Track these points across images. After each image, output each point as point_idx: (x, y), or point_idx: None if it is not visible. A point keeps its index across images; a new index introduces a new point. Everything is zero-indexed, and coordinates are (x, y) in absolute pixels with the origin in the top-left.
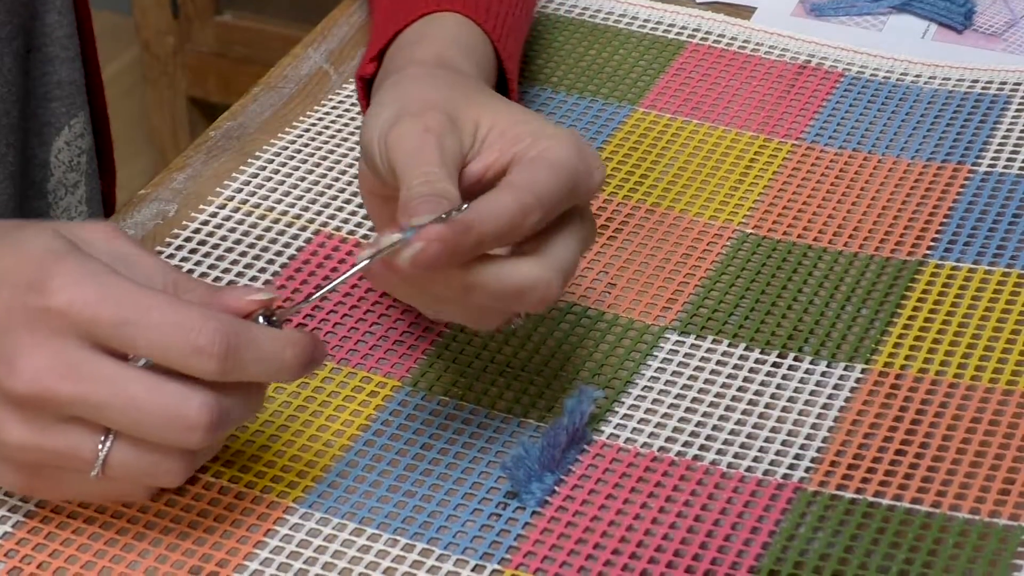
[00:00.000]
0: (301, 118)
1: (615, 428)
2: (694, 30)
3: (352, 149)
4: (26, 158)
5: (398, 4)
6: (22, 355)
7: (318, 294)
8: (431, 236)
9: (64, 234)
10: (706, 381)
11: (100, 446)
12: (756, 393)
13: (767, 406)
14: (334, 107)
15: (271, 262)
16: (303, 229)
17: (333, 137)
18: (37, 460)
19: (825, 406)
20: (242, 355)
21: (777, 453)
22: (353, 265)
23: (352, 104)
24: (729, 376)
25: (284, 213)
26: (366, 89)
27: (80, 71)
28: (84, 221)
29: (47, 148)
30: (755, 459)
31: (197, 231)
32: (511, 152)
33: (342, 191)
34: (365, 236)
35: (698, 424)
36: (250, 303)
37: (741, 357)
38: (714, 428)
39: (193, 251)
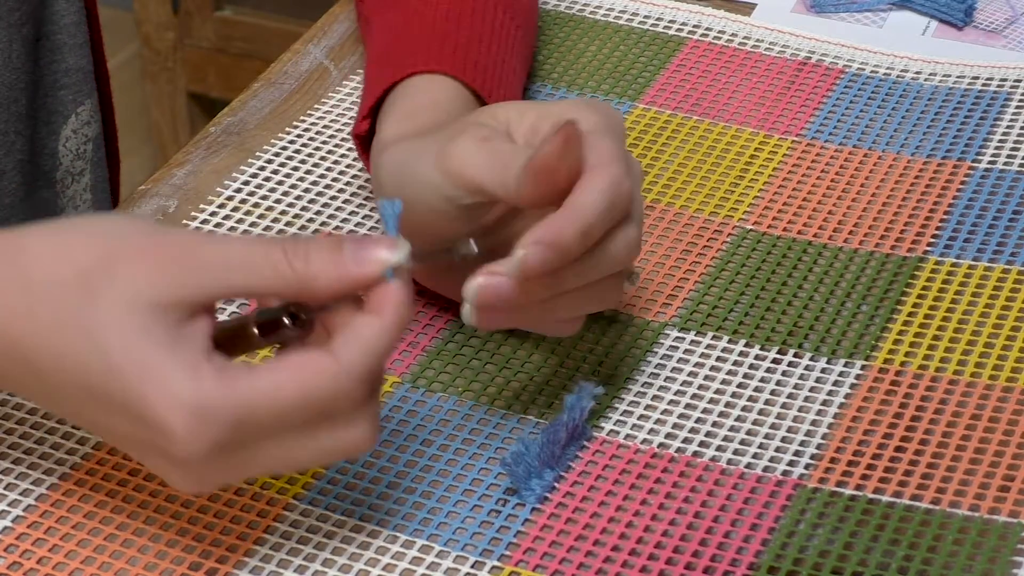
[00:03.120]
0: (302, 117)
1: (615, 424)
2: (694, 26)
3: (353, 146)
4: (35, 147)
5: (388, 58)
6: (175, 480)
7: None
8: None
9: (146, 301)
10: (706, 377)
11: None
12: (756, 389)
13: (767, 402)
14: (335, 104)
15: None
16: (303, 228)
17: (334, 136)
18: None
19: (825, 402)
20: (374, 373)
21: (777, 449)
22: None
23: (353, 102)
24: (729, 372)
25: (285, 212)
26: (364, 146)
27: (88, 58)
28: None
29: (56, 137)
30: (755, 455)
31: (198, 228)
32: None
33: (342, 190)
34: (366, 235)
35: (698, 420)
36: (380, 269)
37: (741, 353)
38: (714, 424)
39: None
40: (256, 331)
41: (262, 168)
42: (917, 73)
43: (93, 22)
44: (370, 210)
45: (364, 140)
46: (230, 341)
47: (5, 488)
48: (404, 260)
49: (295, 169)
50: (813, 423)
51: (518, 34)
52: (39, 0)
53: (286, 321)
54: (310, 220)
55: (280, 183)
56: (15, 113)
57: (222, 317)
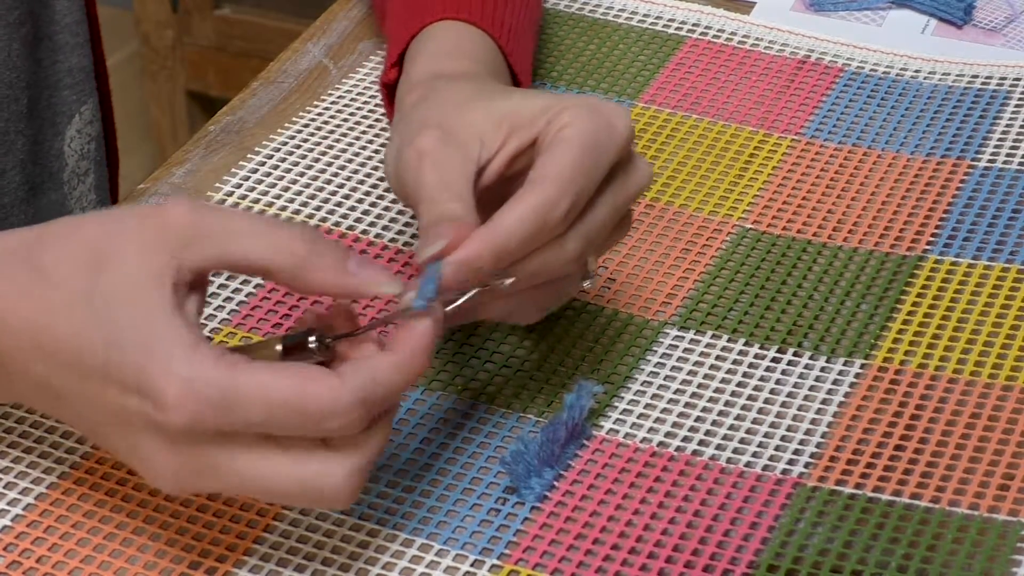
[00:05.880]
0: (301, 113)
1: (614, 423)
2: (694, 25)
3: (352, 144)
4: (41, 149)
5: (411, 9)
6: (156, 465)
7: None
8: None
9: (158, 271)
10: (705, 376)
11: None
12: (755, 388)
13: (766, 401)
14: (333, 102)
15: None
16: (303, 224)
17: (332, 132)
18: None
19: (824, 401)
20: (379, 404)
21: (776, 448)
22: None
23: (352, 100)
24: (728, 371)
25: (284, 208)
26: (391, 95)
27: (89, 57)
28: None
29: (61, 137)
30: (754, 454)
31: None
32: (531, 139)
33: (341, 186)
34: (365, 231)
35: (697, 419)
36: (377, 293)
37: (740, 352)
38: (713, 423)
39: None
40: (280, 349)
41: (261, 164)
42: (916, 71)
43: (92, 21)
44: (368, 206)
45: (391, 89)
46: (252, 357)
47: (5, 487)
48: (395, 291)
49: (294, 165)
50: (812, 422)
51: (533, 2)
52: (39, 0)
53: (311, 343)
54: (308, 217)
55: (279, 180)
56: (15, 112)
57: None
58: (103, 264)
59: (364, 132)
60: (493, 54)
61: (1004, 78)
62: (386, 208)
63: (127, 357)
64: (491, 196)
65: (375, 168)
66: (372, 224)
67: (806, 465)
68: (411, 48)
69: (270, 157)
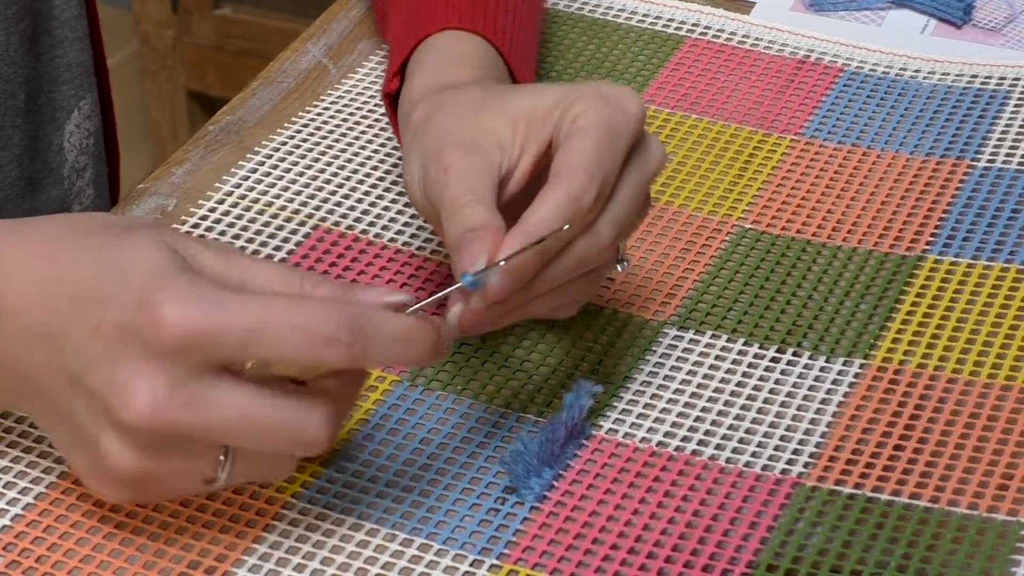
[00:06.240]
0: (300, 113)
1: (614, 423)
2: (693, 24)
3: (351, 144)
4: (39, 144)
5: (413, 18)
6: (139, 387)
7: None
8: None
9: (171, 244)
10: (705, 376)
11: (220, 466)
12: (755, 388)
13: (766, 401)
14: (333, 102)
15: (270, 256)
16: (302, 224)
17: (332, 132)
18: (149, 482)
19: (824, 401)
20: (369, 341)
21: (776, 448)
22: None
23: (351, 100)
24: (728, 371)
25: (283, 208)
26: (393, 104)
27: (88, 52)
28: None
29: (60, 132)
30: (754, 454)
31: (196, 225)
32: (548, 135)
33: (341, 185)
34: (364, 231)
35: (697, 419)
36: (386, 305)
37: (740, 352)
38: (713, 423)
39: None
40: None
41: (260, 163)
42: (916, 71)
43: (92, 17)
44: (368, 206)
45: (393, 99)
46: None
47: (4, 486)
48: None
49: (294, 164)
50: (812, 421)
51: (536, 2)
52: None
53: None
54: (308, 216)
55: (278, 179)
56: (12, 107)
57: None
58: (119, 233)
59: (364, 132)
60: (495, 61)
61: (1004, 78)
62: (385, 208)
63: (132, 281)
64: (517, 199)
65: (374, 168)
66: (372, 224)
67: (805, 465)
68: (413, 58)
69: (270, 157)
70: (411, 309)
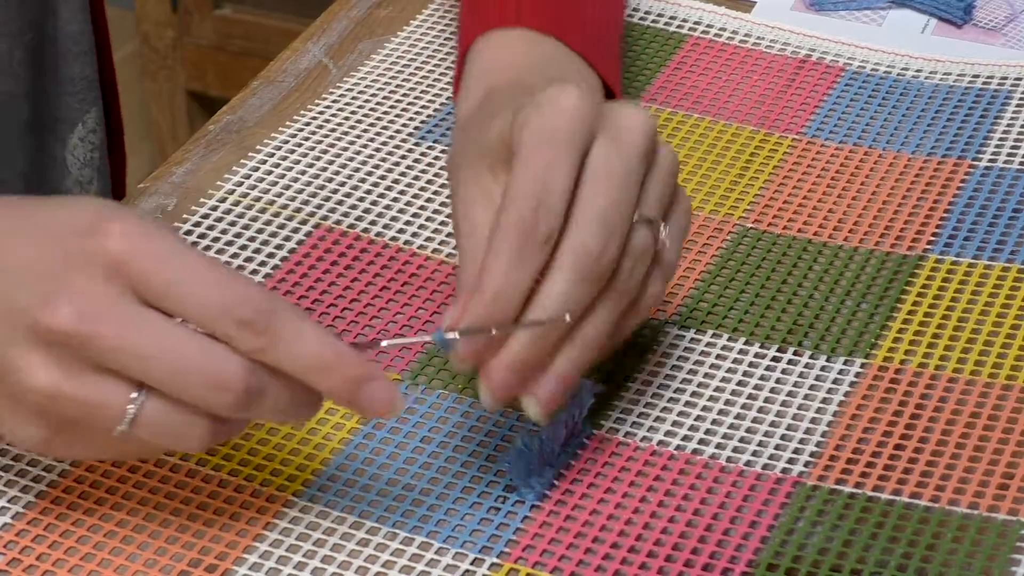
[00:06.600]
0: (301, 112)
1: (614, 422)
2: (695, 24)
3: (352, 144)
4: (42, 157)
5: (472, 10)
6: (69, 294)
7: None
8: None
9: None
10: (705, 375)
11: (131, 402)
12: (756, 387)
13: (766, 400)
14: (334, 101)
15: (271, 256)
16: (303, 223)
17: (334, 131)
18: (61, 410)
19: (824, 400)
20: (280, 337)
21: (776, 447)
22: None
23: (352, 99)
24: (729, 370)
25: (284, 207)
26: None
27: (93, 66)
28: None
29: (63, 145)
30: (754, 453)
31: (197, 224)
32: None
33: (342, 184)
34: (365, 230)
35: (697, 418)
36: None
37: (741, 351)
38: (713, 422)
39: (193, 245)
40: None
41: (262, 163)
42: (917, 71)
43: (101, 28)
44: (369, 205)
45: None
46: None
47: (5, 484)
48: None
49: (294, 164)
50: (812, 421)
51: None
52: (42, 8)
53: None
54: (309, 216)
55: (279, 179)
56: (16, 121)
57: None
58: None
59: (365, 131)
60: (546, 53)
61: (1005, 78)
62: (387, 207)
63: (83, 213)
64: None
65: (375, 167)
66: (372, 223)
67: (806, 464)
68: (471, 51)
69: (270, 156)
70: (388, 343)
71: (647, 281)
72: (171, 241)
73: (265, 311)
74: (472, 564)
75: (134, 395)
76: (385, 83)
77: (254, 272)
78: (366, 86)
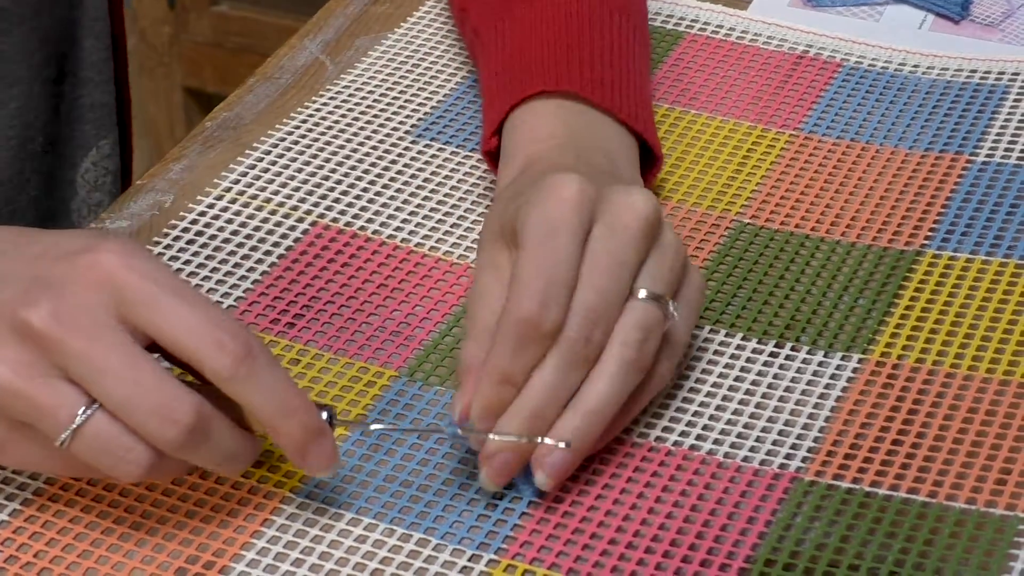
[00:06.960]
0: (298, 109)
1: None
2: (692, 20)
3: (349, 140)
4: (54, 181)
5: (510, 74)
6: (53, 297)
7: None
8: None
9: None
10: (703, 371)
11: (80, 414)
12: (753, 383)
13: (764, 395)
14: (331, 98)
15: (268, 253)
16: (300, 220)
17: (331, 128)
18: (13, 408)
19: (822, 395)
20: (256, 369)
21: (773, 443)
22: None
23: (349, 96)
24: (726, 365)
25: (281, 204)
26: (494, 160)
27: (112, 94)
28: None
29: (75, 169)
30: (752, 448)
31: (194, 222)
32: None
33: (339, 182)
34: (362, 227)
35: (695, 413)
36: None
37: (738, 346)
38: (711, 417)
39: (190, 242)
40: None
41: (259, 160)
42: (914, 66)
43: (120, 55)
44: (366, 202)
45: (493, 155)
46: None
47: (2, 482)
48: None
49: (291, 161)
50: (810, 416)
51: (637, 36)
52: (66, 39)
53: (324, 416)
54: (306, 213)
55: (276, 176)
56: (30, 152)
57: None
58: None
59: (362, 128)
60: (585, 121)
61: (1002, 73)
62: (384, 204)
63: (78, 237)
64: None
65: (372, 164)
66: (370, 221)
67: (803, 459)
68: (509, 121)
69: (267, 153)
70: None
71: (659, 356)
72: (160, 264)
73: (245, 341)
74: (470, 560)
75: (84, 408)
76: (382, 80)
77: (251, 269)
78: (363, 83)
